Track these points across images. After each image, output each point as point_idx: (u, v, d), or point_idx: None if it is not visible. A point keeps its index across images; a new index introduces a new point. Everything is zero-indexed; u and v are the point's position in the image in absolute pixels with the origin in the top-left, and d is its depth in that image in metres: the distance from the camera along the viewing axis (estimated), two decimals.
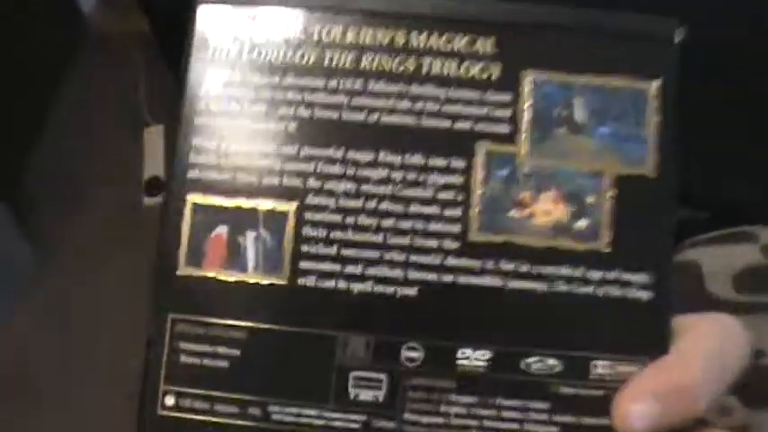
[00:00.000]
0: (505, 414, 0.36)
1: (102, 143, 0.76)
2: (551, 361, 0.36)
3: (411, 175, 0.37)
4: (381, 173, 0.37)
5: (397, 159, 0.37)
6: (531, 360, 0.36)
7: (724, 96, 0.47)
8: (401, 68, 0.38)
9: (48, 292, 0.71)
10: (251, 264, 0.37)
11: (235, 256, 0.37)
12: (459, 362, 0.36)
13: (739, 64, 0.47)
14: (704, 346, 0.35)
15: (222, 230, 0.37)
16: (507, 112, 0.37)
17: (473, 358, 0.36)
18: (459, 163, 0.37)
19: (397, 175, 0.37)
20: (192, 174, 0.38)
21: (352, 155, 0.37)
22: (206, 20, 0.38)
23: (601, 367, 0.36)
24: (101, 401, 0.69)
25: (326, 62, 0.38)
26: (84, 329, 0.71)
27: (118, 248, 0.72)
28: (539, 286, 0.36)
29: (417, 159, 0.37)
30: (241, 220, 0.37)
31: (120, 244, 0.72)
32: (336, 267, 0.37)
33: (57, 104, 0.76)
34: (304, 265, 0.37)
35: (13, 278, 0.69)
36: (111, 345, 0.70)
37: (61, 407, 0.69)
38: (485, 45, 0.38)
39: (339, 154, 0.37)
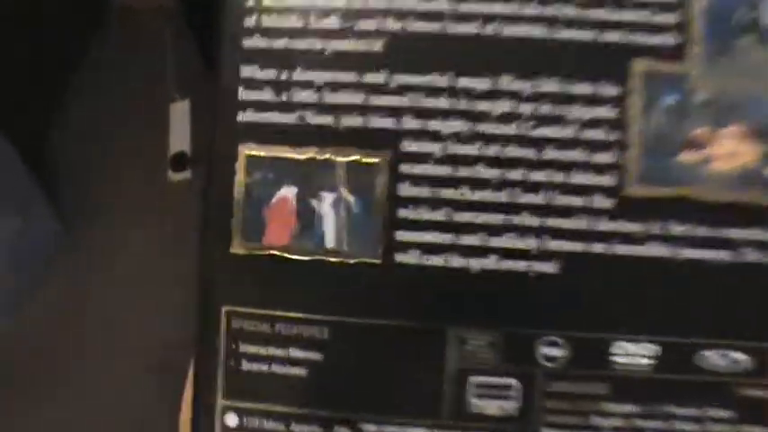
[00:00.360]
0: (677, 426, 0.27)
1: (126, 117, 0.69)
2: (737, 355, 0.27)
3: (545, 108, 0.27)
4: (504, 106, 0.27)
5: (525, 87, 0.27)
6: (709, 354, 0.27)
7: None
8: None
9: (70, 265, 0.65)
10: (330, 236, 0.27)
11: (307, 227, 0.27)
12: (615, 359, 0.27)
13: None
14: None
15: (288, 192, 0.27)
16: (672, 17, 0.27)
17: (633, 355, 0.27)
18: (609, 89, 0.27)
19: (526, 109, 0.27)
20: (244, 116, 0.28)
21: (462, 82, 0.27)
22: None
23: None
24: (121, 374, 0.62)
25: None
26: (108, 303, 0.64)
27: (143, 222, 0.65)
28: (720, 256, 0.27)
29: (552, 86, 0.27)
30: (314, 178, 0.27)
31: (146, 217, 0.66)
32: (447, 238, 0.27)
33: (80, 80, 0.69)
34: (402, 235, 0.27)
35: (43, 247, 0.64)
36: (134, 317, 0.63)
37: (81, 383, 0.62)
38: None
39: (444, 81, 0.27)
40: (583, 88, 0.27)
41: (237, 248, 0.27)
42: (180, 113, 0.69)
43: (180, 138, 0.68)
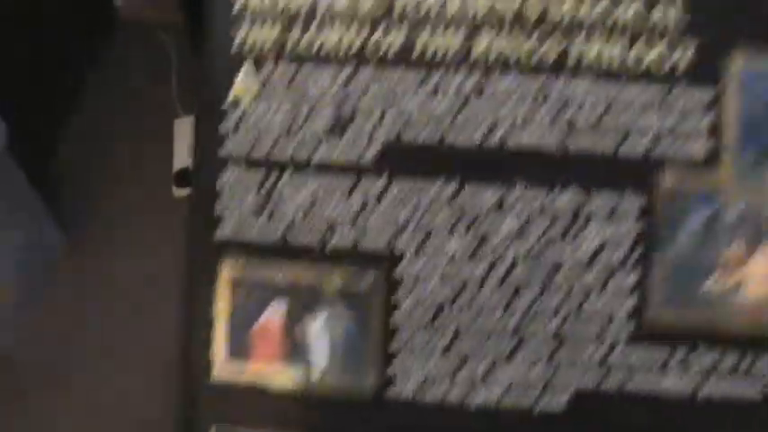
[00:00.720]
0: None
1: (131, 132, 0.67)
2: None
3: (560, 224, 0.24)
4: (514, 221, 0.24)
5: (537, 199, 0.24)
6: None
7: None
8: (536, 55, 0.24)
9: (76, 276, 0.64)
10: (319, 365, 0.25)
11: (295, 353, 0.25)
12: None
13: None
14: None
15: (275, 314, 0.25)
16: (704, 121, 0.24)
17: None
18: (632, 202, 0.24)
19: (539, 224, 0.24)
20: (224, 231, 0.25)
21: (467, 194, 0.24)
22: None
23: None
24: (121, 385, 0.61)
25: (419, 48, 0.25)
26: (112, 312, 0.63)
27: (146, 236, 0.64)
28: (749, 392, 0.24)
29: (569, 198, 0.24)
30: (302, 299, 0.25)
31: (149, 231, 0.64)
32: (446, 368, 0.25)
33: (86, 94, 0.68)
34: (398, 365, 0.25)
35: (43, 262, 0.63)
36: (138, 327, 0.62)
37: (88, 389, 0.61)
38: (667, 12, 0.24)
39: (448, 191, 0.24)
40: (603, 201, 0.24)
41: (221, 371, 0.25)
42: (184, 129, 0.67)
43: (184, 154, 0.66)
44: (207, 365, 0.25)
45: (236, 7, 0.25)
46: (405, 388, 0.25)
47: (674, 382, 0.24)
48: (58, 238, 0.67)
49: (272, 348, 0.25)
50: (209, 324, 0.25)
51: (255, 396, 0.25)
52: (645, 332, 0.24)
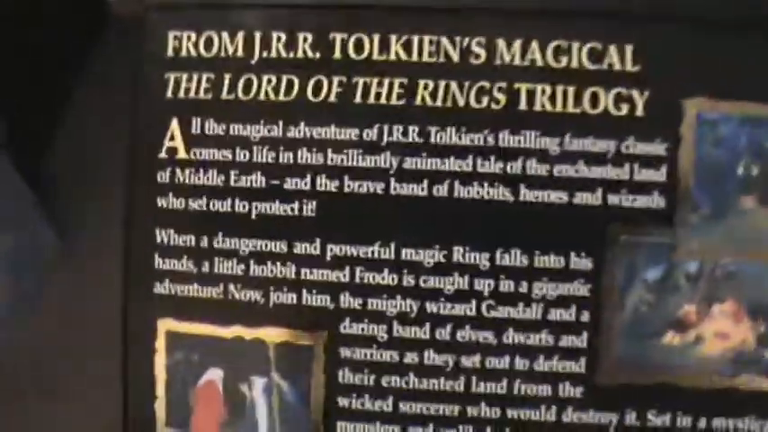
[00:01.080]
0: None
1: (123, 131, 0.65)
2: None
3: (506, 285, 0.23)
4: (458, 282, 0.23)
5: (483, 260, 0.23)
6: None
7: None
8: (481, 103, 0.23)
9: (67, 279, 0.63)
10: (263, 427, 0.24)
11: (237, 415, 0.24)
12: None
13: None
14: None
15: (215, 375, 0.24)
16: (659, 174, 0.23)
17: None
18: (582, 262, 0.23)
19: (484, 286, 0.23)
20: (161, 287, 0.24)
21: (409, 253, 0.23)
22: None
23: None
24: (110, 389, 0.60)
25: (359, 97, 0.23)
26: (101, 317, 0.62)
27: None
28: None
29: (515, 259, 0.23)
30: (242, 360, 0.24)
31: None
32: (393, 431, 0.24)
33: (77, 92, 0.66)
34: (342, 429, 0.24)
35: (40, 264, 0.62)
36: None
37: (87, 390, 0.61)
38: (618, 55, 0.23)
39: (389, 252, 0.23)
40: (550, 261, 0.23)
41: None
42: None
43: None
44: (150, 428, 0.25)
45: (168, 53, 0.24)
46: None
47: None
48: (52, 239, 0.67)
49: (213, 410, 0.24)
50: (149, 382, 0.24)
51: None
52: (598, 393, 0.23)
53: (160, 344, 0.24)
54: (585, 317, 0.23)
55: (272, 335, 0.24)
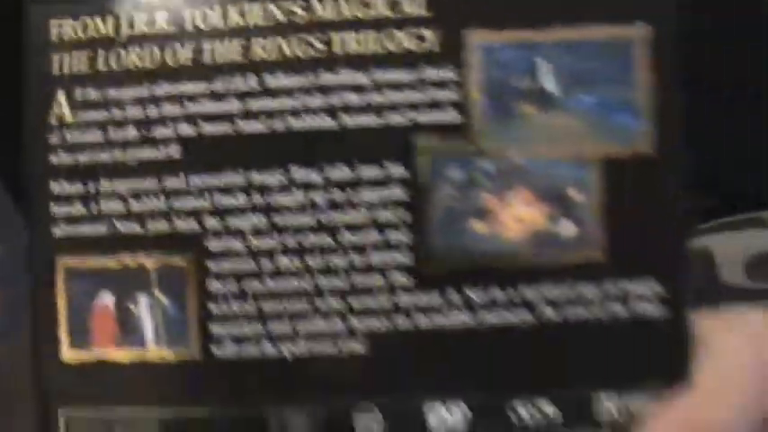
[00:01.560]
0: None
1: None
2: (547, 407, 0.28)
3: (337, 195, 0.28)
4: (298, 197, 0.28)
5: (315, 176, 0.28)
6: (520, 409, 0.28)
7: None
8: (304, 52, 0.28)
9: None
10: (150, 337, 0.29)
11: (128, 330, 0.29)
12: (431, 424, 0.28)
13: None
14: (736, 362, 0.27)
15: (108, 299, 0.29)
16: (453, 94, 0.28)
17: (447, 417, 0.28)
18: (397, 169, 0.28)
19: (320, 198, 0.28)
20: (58, 230, 0.29)
21: (257, 177, 0.28)
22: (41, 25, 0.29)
23: (609, 408, 0.28)
24: None
25: (207, 58, 0.29)
26: None
27: None
28: (520, 316, 0.28)
29: (342, 172, 0.28)
30: (129, 283, 0.29)
31: None
32: (257, 329, 0.28)
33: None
34: (216, 330, 0.28)
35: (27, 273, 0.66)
36: None
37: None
38: (411, 4, 0.28)
39: (240, 179, 0.28)
40: (371, 171, 0.28)
41: (67, 355, 0.29)
42: None
43: None
44: (57, 348, 0.29)
45: (52, 38, 0.29)
46: (225, 351, 0.28)
47: (454, 319, 0.28)
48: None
49: (108, 329, 0.29)
50: (52, 313, 0.29)
51: (98, 376, 0.29)
52: (425, 280, 0.28)
53: (60, 278, 0.29)
54: (406, 216, 0.28)
55: (152, 259, 0.29)
